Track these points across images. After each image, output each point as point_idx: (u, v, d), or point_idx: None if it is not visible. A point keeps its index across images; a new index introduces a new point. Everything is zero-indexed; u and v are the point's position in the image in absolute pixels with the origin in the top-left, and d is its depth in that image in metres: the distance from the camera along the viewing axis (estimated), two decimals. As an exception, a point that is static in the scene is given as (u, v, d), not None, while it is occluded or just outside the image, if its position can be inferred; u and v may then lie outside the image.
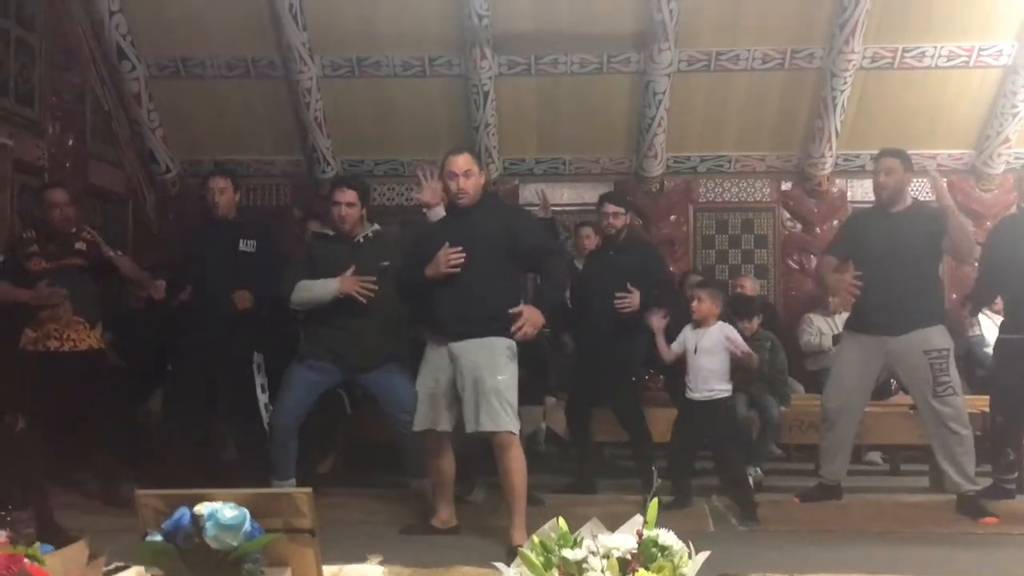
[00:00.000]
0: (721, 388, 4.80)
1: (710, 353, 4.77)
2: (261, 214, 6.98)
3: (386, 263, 4.66)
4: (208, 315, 5.04)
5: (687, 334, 4.92)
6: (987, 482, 4.96)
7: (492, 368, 4.01)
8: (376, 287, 4.60)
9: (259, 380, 5.16)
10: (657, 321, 5.00)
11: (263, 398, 5.14)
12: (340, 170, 7.53)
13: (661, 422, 5.30)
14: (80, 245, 5.05)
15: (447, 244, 4.06)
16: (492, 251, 4.11)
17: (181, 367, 5.25)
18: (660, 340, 4.99)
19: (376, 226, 4.92)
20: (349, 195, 4.73)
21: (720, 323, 4.88)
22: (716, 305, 4.87)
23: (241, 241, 5.14)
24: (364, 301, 4.58)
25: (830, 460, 4.99)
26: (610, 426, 5.47)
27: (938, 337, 4.65)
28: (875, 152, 5.09)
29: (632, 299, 5.10)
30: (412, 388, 4.35)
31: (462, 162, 4.13)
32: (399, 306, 4.59)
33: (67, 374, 4.88)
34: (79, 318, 4.98)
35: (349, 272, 4.62)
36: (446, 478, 4.34)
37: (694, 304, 4.90)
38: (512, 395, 4.06)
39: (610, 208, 5.31)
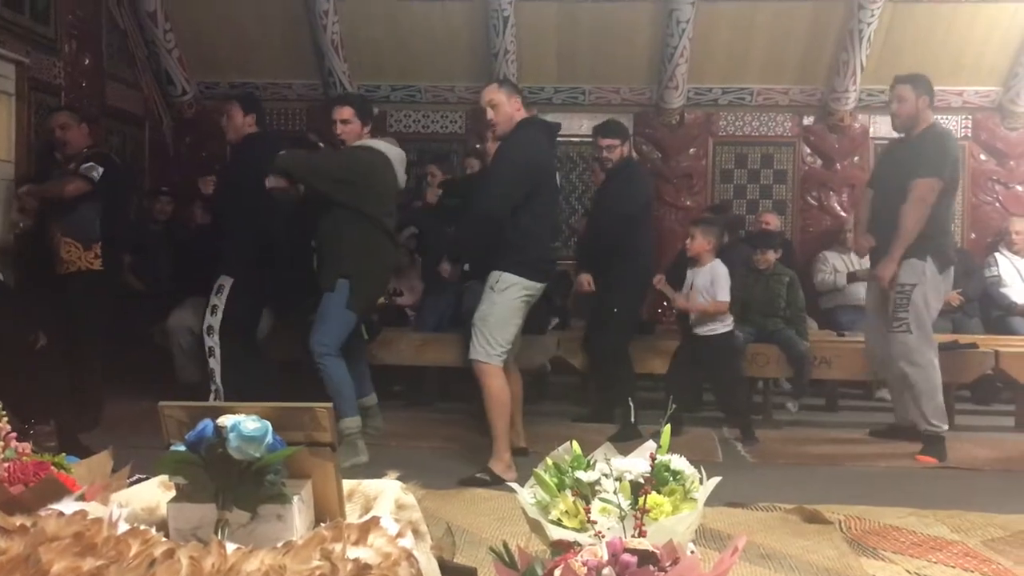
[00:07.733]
0: (720, 324, 4.86)
1: (702, 292, 4.81)
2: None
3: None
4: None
5: (687, 273, 4.96)
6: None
7: None
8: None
9: (213, 300, 4.91)
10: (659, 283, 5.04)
11: (210, 319, 4.89)
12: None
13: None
14: (87, 165, 4.93)
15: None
16: None
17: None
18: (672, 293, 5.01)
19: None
20: (345, 112, 4.57)
21: (715, 261, 4.86)
22: (708, 242, 4.86)
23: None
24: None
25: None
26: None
27: (906, 271, 4.51)
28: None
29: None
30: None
31: (485, 95, 4.12)
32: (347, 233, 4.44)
33: (64, 295, 4.88)
34: (70, 239, 4.92)
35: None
36: (517, 402, 4.35)
37: (687, 242, 4.93)
38: None
39: (604, 141, 5.22)
